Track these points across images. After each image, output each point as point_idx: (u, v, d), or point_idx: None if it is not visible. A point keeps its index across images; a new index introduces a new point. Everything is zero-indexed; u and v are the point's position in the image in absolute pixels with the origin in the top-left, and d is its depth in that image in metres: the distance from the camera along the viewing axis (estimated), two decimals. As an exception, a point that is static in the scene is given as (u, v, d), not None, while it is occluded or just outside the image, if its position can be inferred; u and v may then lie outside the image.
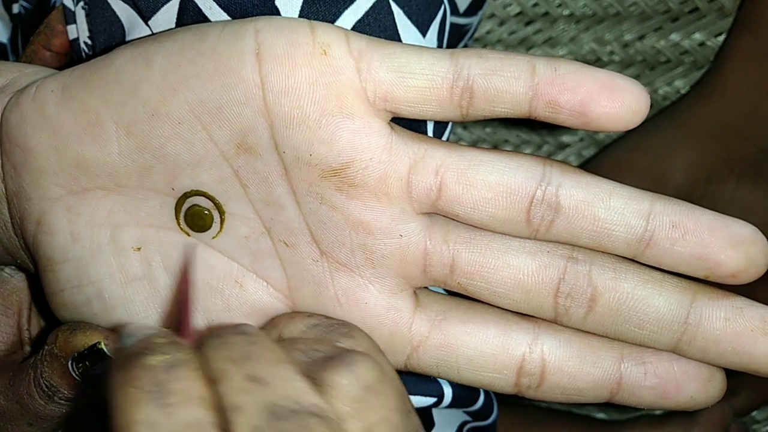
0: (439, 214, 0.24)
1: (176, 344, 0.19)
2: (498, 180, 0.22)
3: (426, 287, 0.25)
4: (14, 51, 0.36)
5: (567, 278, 0.23)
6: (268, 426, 0.17)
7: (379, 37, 0.24)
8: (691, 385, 0.23)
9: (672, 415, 0.47)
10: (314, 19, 0.23)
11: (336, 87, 0.22)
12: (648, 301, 0.23)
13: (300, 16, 0.25)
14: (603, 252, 0.23)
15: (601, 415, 0.53)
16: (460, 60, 0.22)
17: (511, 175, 0.22)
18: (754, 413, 0.51)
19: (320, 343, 0.21)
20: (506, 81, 0.22)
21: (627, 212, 0.22)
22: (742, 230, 0.22)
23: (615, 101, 0.21)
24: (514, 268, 0.23)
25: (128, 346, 0.19)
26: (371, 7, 0.26)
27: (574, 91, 0.21)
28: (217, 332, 0.20)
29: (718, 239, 0.22)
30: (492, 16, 0.52)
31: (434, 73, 0.22)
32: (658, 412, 0.48)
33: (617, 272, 0.23)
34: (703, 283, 0.23)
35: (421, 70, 0.22)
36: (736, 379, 0.50)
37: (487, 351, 0.24)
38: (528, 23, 0.52)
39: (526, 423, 0.49)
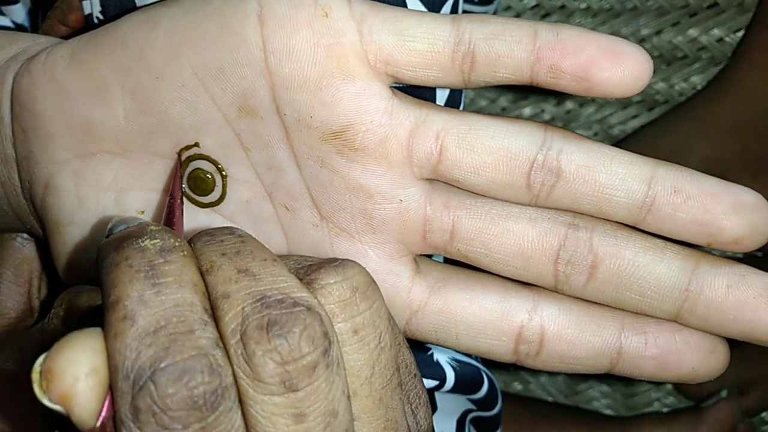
0: (439, 180, 0.24)
1: (169, 232, 0.19)
2: (498, 144, 0.22)
3: (427, 256, 0.25)
4: (33, 30, 0.37)
5: (567, 245, 0.23)
6: (256, 312, 0.17)
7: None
8: (692, 356, 0.23)
9: (679, 412, 0.47)
10: None
11: (337, 49, 0.22)
12: (649, 268, 0.22)
13: None
14: (604, 219, 0.23)
15: (608, 411, 0.52)
16: (461, 24, 0.22)
17: (511, 139, 0.22)
18: (763, 414, 0.50)
19: (308, 258, 0.21)
20: (508, 45, 0.22)
21: (628, 177, 0.22)
22: (746, 196, 0.21)
23: (617, 66, 0.21)
24: (515, 235, 0.23)
25: (117, 231, 0.19)
26: None
27: (575, 56, 0.21)
28: (207, 231, 0.20)
29: (720, 205, 0.21)
30: (508, 8, 0.52)
31: (436, 36, 0.22)
32: (665, 409, 0.48)
33: (618, 239, 0.23)
34: (705, 252, 0.23)
35: (422, 34, 0.22)
36: (746, 380, 0.49)
37: (486, 317, 0.23)
38: (544, 16, 0.52)
39: (532, 417, 0.48)
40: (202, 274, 0.18)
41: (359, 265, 0.20)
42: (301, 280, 0.19)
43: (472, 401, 0.37)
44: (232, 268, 0.18)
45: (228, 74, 0.22)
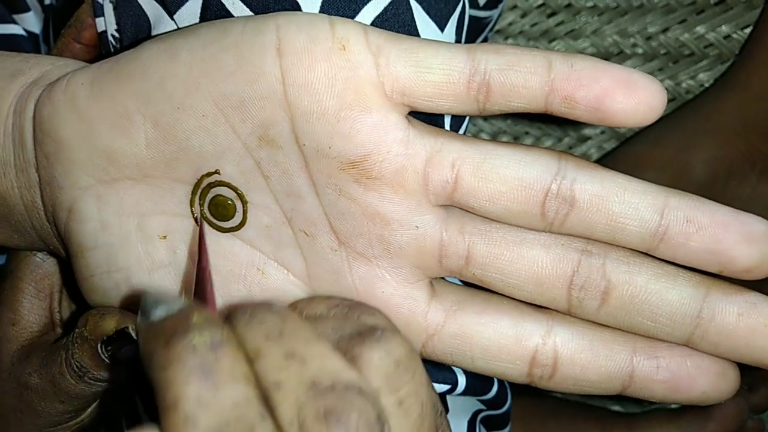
0: (455, 206, 0.24)
1: (213, 321, 0.19)
2: (513, 173, 0.23)
3: (442, 278, 0.26)
4: (46, 41, 0.37)
5: (581, 271, 0.23)
6: (311, 401, 0.18)
7: (398, 32, 0.24)
8: (703, 380, 0.23)
9: (687, 409, 0.47)
10: (334, 15, 0.24)
11: (354, 81, 0.22)
12: (661, 294, 0.23)
13: (320, 11, 0.25)
14: (617, 245, 0.23)
15: (616, 408, 0.53)
16: (477, 55, 0.22)
17: (526, 168, 0.23)
18: (772, 410, 0.51)
19: (345, 321, 0.21)
20: (522, 76, 0.22)
21: (641, 207, 0.22)
22: (757, 226, 0.22)
23: (631, 97, 0.22)
24: (529, 260, 0.24)
25: (159, 317, 0.19)
26: (390, 3, 0.26)
27: (589, 87, 0.22)
28: (245, 309, 0.20)
29: (732, 234, 0.22)
30: (514, 7, 0.52)
31: (451, 68, 0.22)
32: (673, 406, 0.48)
33: (631, 266, 0.23)
34: (717, 278, 0.23)
35: (438, 65, 0.22)
36: (754, 375, 0.49)
37: (501, 341, 0.24)
38: (550, 15, 0.52)
39: (541, 414, 0.49)
40: (248, 360, 0.19)
41: (399, 334, 0.20)
42: (344, 353, 0.19)
43: (482, 401, 0.38)
44: (278, 354, 0.18)
45: (248, 106, 0.23)
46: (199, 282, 0.23)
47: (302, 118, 0.23)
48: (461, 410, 0.37)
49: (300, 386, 0.18)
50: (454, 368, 0.35)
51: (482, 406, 0.38)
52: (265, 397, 0.18)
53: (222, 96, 0.23)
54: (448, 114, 0.23)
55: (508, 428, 0.41)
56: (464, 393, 0.35)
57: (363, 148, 0.23)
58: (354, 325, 0.21)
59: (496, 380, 0.37)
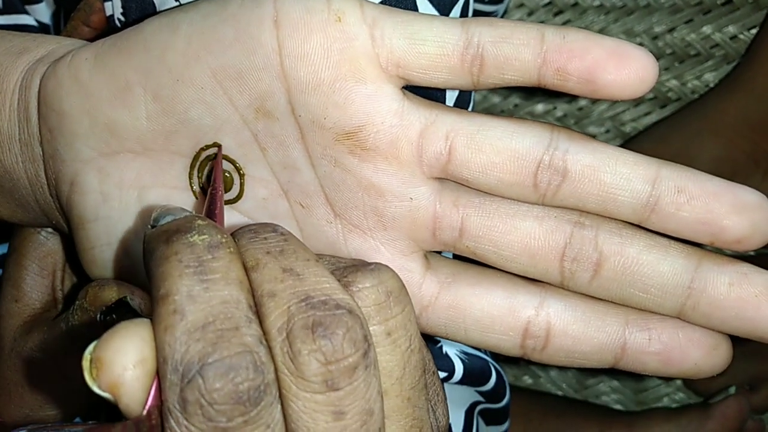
0: (449, 179, 0.24)
1: (216, 227, 0.20)
2: (506, 145, 0.23)
3: (437, 252, 0.26)
4: (57, 31, 0.38)
5: (573, 242, 0.23)
6: (301, 312, 0.18)
7: None
8: (695, 352, 0.23)
9: (687, 408, 0.47)
10: None
11: (349, 53, 0.23)
12: (653, 266, 0.23)
13: None
14: (609, 218, 0.23)
15: (617, 406, 0.52)
16: (470, 28, 0.23)
17: (519, 139, 0.23)
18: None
19: (341, 258, 0.22)
20: (515, 48, 0.22)
21: (633, 177, 0.22)
22: (748, 196, 0.22)
23: (623, 69, 0.22)
24: (522, 232, 0.24)
25: (167, 222, 0.20)
26: None
27: (582, 59, 0.22)
28: (250, 227, 0.21)
29: (723, 205, 0.22)
30: (521, 5, 0.52)
31: (445, 40, 0.23)
32: (674, 405, 0.48)
33: (623, 237, 0.23)
34: (708, 251, 0.23)
35: (432, 37, 0.23)
36: (756, 376, 0.49)
37: (494, 313, 0.24)
38: (557, 13, 0.52)
39: (541, 411, 0.49)
40: (246, 270, 0.19)
41: (392, 269, 0.21)
42: (338, 281, 0.20)
43: (481, 393, 0.38)
44: (277, 267, 0.19)
45: (245, 77, 0.23)
46: (210, 203, 0.23)
47: (298, 89, 0.23)
48: (459, 400, 0.37)
49: (293, 298, 0.18)
50: (451, 356, 0.35)
51: (480, 398, 0.38)
52: (257, 306, 0.19)
53: (220, 68, 0.23)
54: (443, 87, 0.24)
55: (507, 423, 0.41)
56: (461, 382, 0.35)
57: (357, 118, 0.23)
58: (349, 260, 0.21)
59: (494, 371, 0.37)
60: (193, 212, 0.21)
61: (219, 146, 0.25)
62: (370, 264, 0.21)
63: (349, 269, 0.21)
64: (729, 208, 0.22)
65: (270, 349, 0.18)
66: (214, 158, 0.25)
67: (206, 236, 0.19)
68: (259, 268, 0.19)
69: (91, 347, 0.18)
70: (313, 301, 0.18)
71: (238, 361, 0.17)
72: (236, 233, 0.20)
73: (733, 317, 0.22)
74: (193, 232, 0.19)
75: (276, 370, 0.18)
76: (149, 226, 0.20)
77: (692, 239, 0.23)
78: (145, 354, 0.18)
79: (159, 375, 0.18)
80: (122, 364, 0.17)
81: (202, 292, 0.18)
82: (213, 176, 0.24)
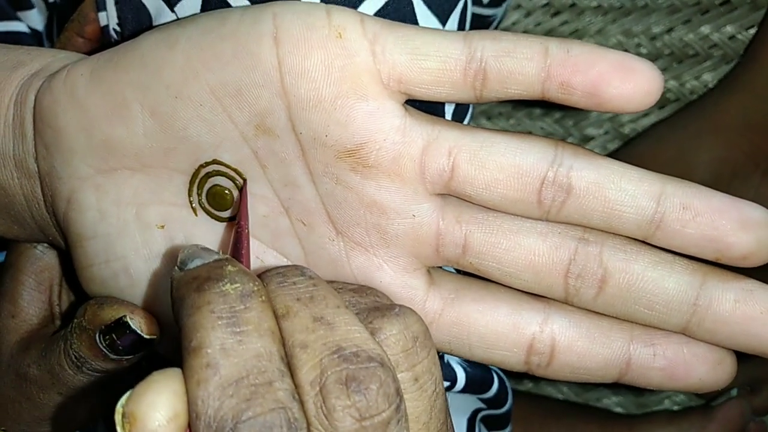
0: (452, 195, 0.24)
1: (247, 273, 0.19)
2: (510, 161, 0.23)
3: (440, 267, 0.26)
4: (49, 38, 0.38)
5: (577, 259, 0.23)
6: (334, 365, 0.18)
7: None
8: (700, 368, 0.23)
9: (689, 410, 0.47)
10: None
11: (351, 69, 0.22)
12: (658, 282, 0.23)
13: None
14: (614, 233, 0.23)
15: (618, 409, 0.52)
16: (473, 42, 0.22)
17: (522, 156, 0.23)
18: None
19: (359, 296, 0.22)
20: (519, 62, 0.22)
21: (638, 194, 0.22)
22: (753, 213, 0.22)
23: (627, 82, 0.22)
24: (525, 249, 0.23)
25: (194, 267, 0.20)
26: None
27: (586, 72, 0.22)
28: (278, 270, 0.20)
29: (728, 221, 0.22)
30: (518, 6, 0.52)
31: (448, 55, 0.22)
32: (675, 408, 0.48)
33: (628, 253, 0.23)
34: (713, 266, 0.23)
35: (434, 52, 0.22)
36: (757, 378, 0.49)
37: (498, 329, 0.24)
38: (555, 14, 0.52)
39: (541, 414, 0.49)
40: (276, 317, 0.19)
41: (416, 313, 0.21)
42: (365, 326, 0.20)
43: (483, 400, 0.38)
44: (308, 315, 0.19)
45: (245, 94, 0.23)
46: (236, 241, 0.23)
47: (299, 106, 0.23)
48: (461, 408, 0.37)
49: (325, 350, 0.18)
50: (453, 365, 0.35)
51: (482, 405, 0.38)
52: (288, 357, 0.18)
53: (219, 85, 0.23)
54: (446, 101, 0.23)
55: (508, 429, 0.41)
56: (464, 390, 0.35)
57: (359, 135, 0.23)
58: (370, 300, 0.21)
59: (496, 378, 0.37)
60: (220, 253, 0.20)
61: (244, 180, 0.24)
62: (394, 307, 0.21)
63: (373, 313, 0.20)
64: (734, 225, 0.22)
65: (302, 403, 0.18)
66: (213, 175, 0.24)
67: (238, 285, 0.19)
68: (290, 316, 0.19)
69: (123, 400, 0.17)
70: (345, 353, 0.18)
71: (272, 418, 0.17)
72: (263, 276, 0.20)
73: (739, 334, 0.22)
74: (225, 281, 0.19)
75: (308, 425, 0.18)
76: (177, 268, 0.20)
77: (697, 255, 0.23)
78: (178, 409, 0.17)
79: (191, 429, 0.17)
80: (156, 419, 0.17)
81: (235, 345, 0.18)
82: (238, 215, 0.24)
